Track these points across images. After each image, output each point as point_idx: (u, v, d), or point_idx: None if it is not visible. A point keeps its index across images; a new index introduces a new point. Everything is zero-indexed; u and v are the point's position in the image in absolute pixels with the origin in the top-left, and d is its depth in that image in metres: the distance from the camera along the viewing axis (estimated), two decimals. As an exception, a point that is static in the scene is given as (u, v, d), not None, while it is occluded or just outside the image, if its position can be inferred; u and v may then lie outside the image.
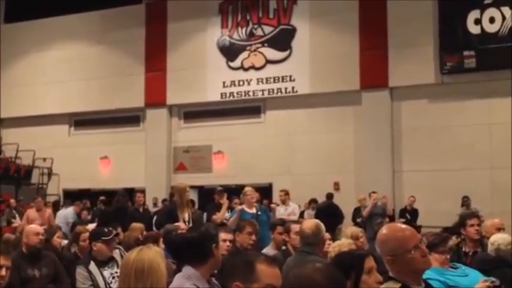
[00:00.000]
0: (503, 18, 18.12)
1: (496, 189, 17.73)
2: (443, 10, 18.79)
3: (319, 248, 6.33)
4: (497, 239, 6.53)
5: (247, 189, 11.05)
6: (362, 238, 7.73)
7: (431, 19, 19.01)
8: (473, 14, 18.40)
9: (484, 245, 6.94)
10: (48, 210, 16.06)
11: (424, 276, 4.01)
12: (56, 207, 19.09)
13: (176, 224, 8.56)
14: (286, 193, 15.49)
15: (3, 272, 4.73)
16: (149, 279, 3.78)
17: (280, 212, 14.83)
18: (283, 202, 15.44)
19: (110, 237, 7.00)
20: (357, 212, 16.89)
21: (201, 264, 4.62)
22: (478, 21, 18.36)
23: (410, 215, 17.41)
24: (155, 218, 12.73)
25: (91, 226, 10.10)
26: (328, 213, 15.22)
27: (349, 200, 17.68)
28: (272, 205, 13.38)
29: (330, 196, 17.32)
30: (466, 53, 18.44)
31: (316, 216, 13.17)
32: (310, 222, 6.60)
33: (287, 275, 3.02)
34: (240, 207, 10.77)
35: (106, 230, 7.13)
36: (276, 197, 18.36)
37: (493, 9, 18.24)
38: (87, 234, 7.85)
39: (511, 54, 17.83)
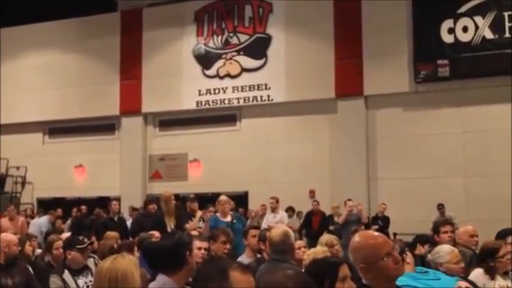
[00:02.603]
0: (476, 27, 18.31)
1: (470, 197, 17.91)
2: (417, 19, 18.95)
3: (290, 255, 6.32)
4: None
5: (221, 198, 11.06)
6: (337, 246, 7.74)
7: (405, 28, 19.16)
8: (447, 23, 18.58)
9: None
10: (21, 219, 15.91)
11: (399, 283, 4.02)
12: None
13: (151, 232, 8.54)
14: (277, 201, 15.52)
15: None
16: (122, 288, 3.77)
17: (269, 219, 14.88)
18: (273, 210, 15.48)
19: (84, 245, 6.98)
20: (329, 219, 16.96)
21: (175, 272, 4.60)
22: (451, 31, 18.53)
23: (381, 222, 17.49)
24: (130, 226, 12.71)
25: (65, 235, 10.03)
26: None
27: (325, 207, 17.73)
28: (250, 211, 13.35)
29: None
30: (439, 61, 18.59)
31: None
32: (278, 230, 6.57)
33: (258, 282, 3.02)
34: (209, 215, 10.79)
35: (80, 238, 7.10)
36: (252, 204, 18.39)
37: (466, 19, 18.42)
38: (60, 243, 7.85)
39: (483, 63, 18.04)
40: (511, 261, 6.54)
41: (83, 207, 18.74)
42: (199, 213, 11.56)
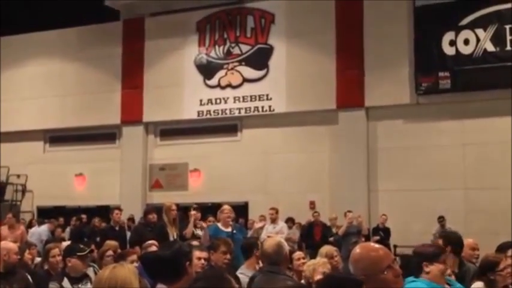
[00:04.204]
0: (478, 40, 18.33)
1: (470, 209, 17.87)
2: (419, 32, 18.97)
3: (284, 266, 6.29)
4: None
5: (225, 207, 10.98)
6: (336, 257, 7.72)
7: (407, 40, 19.18)
8: (448, 36, 18.60)
9: (464, 265, 6.98)
10: (21, 227, 15.87)
11: None
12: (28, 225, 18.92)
13: (150, 241, 8.51)
14: (277, 211, 15.52)
15: None
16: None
17: (269, 230, 14.86)
18: (273, 221, 15.48)
19: (84, 253, 6.97)
20: (328, 231, 16.93)
21: (174, 282, 4.57)
22: (453, 43, 18.56)
23: (382, 233, 17.47)
24: (129, 236, 12.67)
25: (65, 244, 10.01)
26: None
27: (325, 219, 17.69)
28: (252, 223, 13.30)
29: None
30: (441, 74, 18.61)
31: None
32: (271, 241, 6.54)
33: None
34: (209, 224, 10.77)
35: (81, 246, 7.10)
36: (251, 215, 18.38)
37: (468, 31, 18.45)
38: (56, 251, 7.87)
39: (484, 76, 18.06)
40: (511, 274, 6.51)
41: (83, 216, 18.74)
42: (193, 217, 11.48)
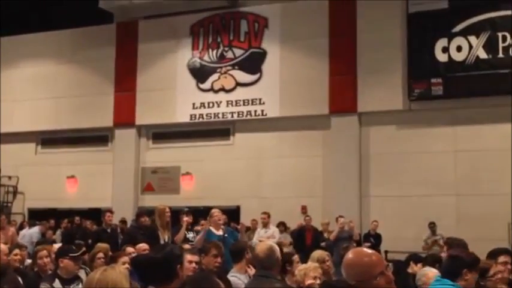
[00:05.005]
0: (470, 47, 18.39)
1: (462, 215, 17.91)
2: (412, 38, 19.04)
3: (276, 271, 6.27)
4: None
5: (214, 210, 11.02)
6: (328, 262, 7.72)
7: (400, 46, 19.24)
8: (441, 43, 18.66)
9: None
10: (12, 229, 15.80)
11: None
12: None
13: (140, 244, 8.50)
14: (269, 216, 15.54)
15: None
16: (112, 300, 3.74)
17: (260, 234, 14.90)
18: (265, 225, 15.48)
19: (77, 254, 6.98)
20: (319, 236, 16.94)
21: (165, 285, 4.57)
22: (445, 50, 18.61)
23: (374, 239, 17.48)
24: (121, 239, 12.62)
25: (56, 246, 9.98)
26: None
27: (317, 223, 17.72)
28: (238, 225, 13.28)
29: None
30: (433, 80, 18.65)
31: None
32: (263, 246, 6.51)
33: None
34: (206, 226, 10.72)
35: (74, 247, 7.10)
36: (243, 219, 18.31)
37: (461, 38, 18.51)
38: (44, 252, 7.92)
39: (477, 83, 18.11)
40: (501, 281, 6.52)
41: (77, 218, 18.67)
42: (185, 222, 11.44)
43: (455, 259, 5.58)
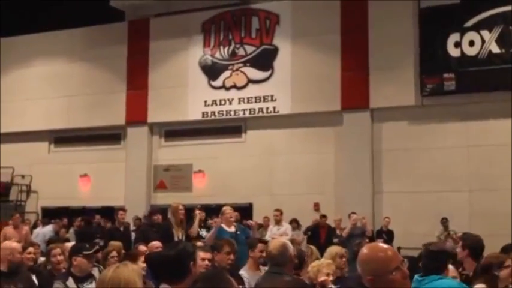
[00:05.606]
0: (483, 41, 18.33)
1: (474, 211, 17.86)
2: (424, 33, 18.99)
3: (288, 268, 6.29)
4: None
5: (225, 208, 11.10)
6: (344, 258, 7.72)
7: (412, 42, 19.19)
8: (453, 37, 18.60)
9: None
10: (25, 228, 15.91)
11: None
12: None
13: (153, 242, 8.54)
14: (281, 213, 15.58)
15: None
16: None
17: (273, 231, 14.94)
18: (277, 222, 15.52)
19: (91, 251, 7.02)
20: (332, 232, 16.91)
21: (178, 282, 4.59)
22: (458, 44, 18.55)
23: (386, 236, 17.44)
24: (134, 236, 12.66)
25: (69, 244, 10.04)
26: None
27: (330, 220, 17.70)
28: (250, 222, 13.30)
29: None
30: (446, 75, 18.61)
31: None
32: (277, 243, 6.55)
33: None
34: (218, 223, 10.77)
35: (87, 245, 7.14)
36: (256, 216, 18.36)
37: (473, 33, 18.44)
38: (58, 250, 8.00)
39: (489, 78, 18.04)
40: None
41: (98, 216, 18.64)
42: (198, 214, 11.50)
43: (438, 253, 5.58)
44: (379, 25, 19.48)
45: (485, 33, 18.34)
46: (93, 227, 17.02)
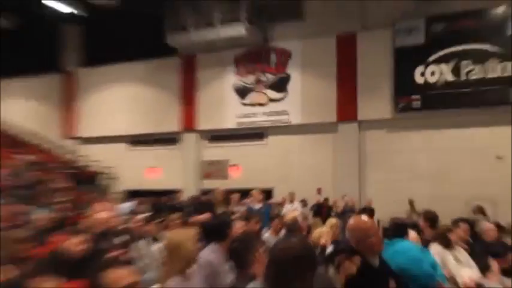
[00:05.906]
0: (441, 72, 18.22)
1: (434, 195, 17.69)
2: (397, 65, 18.91)
3: (298, 233, 6.41)
4: None
5: (253, 191, 11.23)
6: (339, 228, 7.77)
7: (388, 71, 19.11)
8: (419, 69, 18.47)
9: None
10: (111, 204, 16.00)
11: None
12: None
13: (203, 215, 8.65)
14: (294, 195, 15.84)
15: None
16: (180, 252, 3.88)
17: (287, 208, 15.00)
18: (291, 201, 15.66)
19: (159, 220, 7.17)
20: (330, 209, 16.89)
21: (220, 242, 4.72)
22: (422, 74, 18.43)
23: (368, 212, 17.29)
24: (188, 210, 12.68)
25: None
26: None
27: (329, 201, 17.64)
28: (272, 201, 13.35)
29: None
30: (413, 96, 18.51)
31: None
32: (290, 215, 6.74)
33: (273, 249, 3.08)
34: (248, 202, 10.89)
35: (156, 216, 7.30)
36: (275, 197, 18.39)
37: (434, 66, 18.32)
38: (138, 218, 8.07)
39: (445, 99, 17.99)
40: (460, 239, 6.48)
41: (165, 197, 18.70)
42: (233, 199, 11.62)
43: (400, 225, 5.61)
44: (364, 59, 19.42)
45: (443, 66, 18.22)
46: (160, 204, 17.13)
